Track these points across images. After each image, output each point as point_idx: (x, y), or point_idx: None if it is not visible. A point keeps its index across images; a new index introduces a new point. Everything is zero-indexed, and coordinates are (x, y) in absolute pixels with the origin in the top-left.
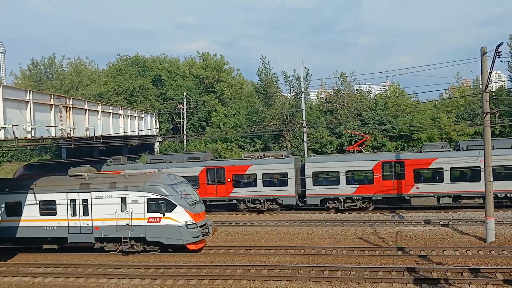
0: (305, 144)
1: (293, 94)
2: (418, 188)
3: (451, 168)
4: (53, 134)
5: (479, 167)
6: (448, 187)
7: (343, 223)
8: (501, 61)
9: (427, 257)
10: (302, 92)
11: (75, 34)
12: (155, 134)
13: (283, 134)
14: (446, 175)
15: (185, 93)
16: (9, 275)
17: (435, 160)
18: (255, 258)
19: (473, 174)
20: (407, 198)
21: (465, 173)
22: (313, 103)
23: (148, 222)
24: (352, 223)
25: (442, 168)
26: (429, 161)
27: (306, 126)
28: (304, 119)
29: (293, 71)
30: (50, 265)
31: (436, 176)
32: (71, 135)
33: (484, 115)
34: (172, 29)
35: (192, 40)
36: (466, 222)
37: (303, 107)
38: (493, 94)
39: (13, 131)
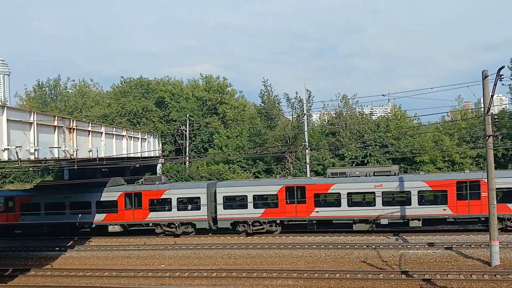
0: (308, 166)
1: (295, 116)
2: (318, 212)
3: (348, 193)
4: (56, 156)
5: (374, 192)
6: (345, 212)
7: (346, 246)
8: (503, 84)
9: (431, 281)
10: (305, 114)
11: (80, 56)
12: (157, 155)
13: (286, 155)
14: (344, 200)
15: (188, 115)
16: None
17: (333, 185)
18: (258, 281)
19: (368, 200)
20: (308, 221)
21: (361, 198)
22: (315, 125)
23: None
24: (355, 246)
25: (339, 193)
26: (327, 186)
27: (309, 148)
28: (307, 141)
29: (296, 93)
30: None
31: (334, 200)
32: (74, 156)
33: (487, 138)
34: (176, 52)
35: (195, 63)
36: (470, 245)
37: (306, 129)
38: (495, 117)
39: (16, 152)
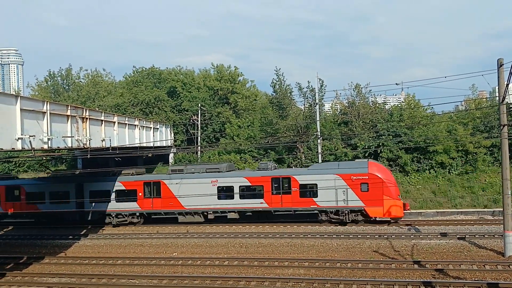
0: (320, 156)
1: (307, 106)
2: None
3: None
4: (70, 145)
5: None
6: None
7: (358, 236)
8: None
9: (443, 271)
10: (317, 103)
11: (92, 46)
12: (169, 145)
13: (297, 145)
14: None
15: (199, 105)
16: None
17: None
18: (269, 270)
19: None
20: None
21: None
22: (328, 114)
23: None
24: (367, 236)
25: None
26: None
27: (321, 138)
28: (319, 130)
29: (308, 83)
30: None
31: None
32: (87, 145)
33: (501, 127)
34: (187, 42)
35: (206, 52)
36: (484, 235)
37: (318, 119)
38: (510, 106)
39: (30, 141)
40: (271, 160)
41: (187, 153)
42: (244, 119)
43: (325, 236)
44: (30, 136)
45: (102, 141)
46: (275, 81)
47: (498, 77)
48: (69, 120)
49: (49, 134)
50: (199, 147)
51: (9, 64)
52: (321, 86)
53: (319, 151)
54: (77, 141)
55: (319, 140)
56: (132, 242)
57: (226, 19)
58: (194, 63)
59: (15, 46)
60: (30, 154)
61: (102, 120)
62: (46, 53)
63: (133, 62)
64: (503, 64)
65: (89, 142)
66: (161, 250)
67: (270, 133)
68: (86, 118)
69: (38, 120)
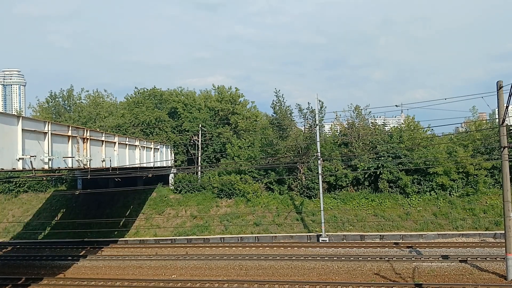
0: (320, 177)
1: (307, 127)
2: None
3: None
4: (70, 165)
5: None
6: None
7: (359, 258)
8: None
9: None
10: (317, 124)
11: (95, 69)
12: (170, 165)
13: (298, 166)
14: None
15: (200, 125)
16: None
17: None
18: None
19: None
20: None
21: None
22: (328, 135)
23: None
24: (368, 258)
25: None
26: None
27: (321, 159)
28: (319, 151)
29: (308, 104)
30: None
31: None
32: (88, 166)
33: (502, 149)
34: (188, 64)
35: (207, 74)
36: (486, 258)
37: (318, 140)
38: (511, 128)
39: (30, 161)
40: (271, 180)
41: (187, 173)
42: (245, 139)
43: (325, 258)
44: (31, 156)
45: (102, 161)
46: (275, 103)
47: (498, 99)
48: (70, 140)
49: (50, 155)
50: (199, 167)
51: (11, 84)
52: (321, 107)
53: (320, 172)
54: (77, 161)
55: (319, 161)
56: (130, 263)
57: (228, 42)
58: (196, 85)
59: (18, 67)
60: (31, 175)
61: (102, 141)
62: (48, 74)
63: (135, 84)
64: (502, 86)
65: (90, 163)
66: (160, 272)
67: (270, 153)
68: (87, 139)
69: (39, 141)
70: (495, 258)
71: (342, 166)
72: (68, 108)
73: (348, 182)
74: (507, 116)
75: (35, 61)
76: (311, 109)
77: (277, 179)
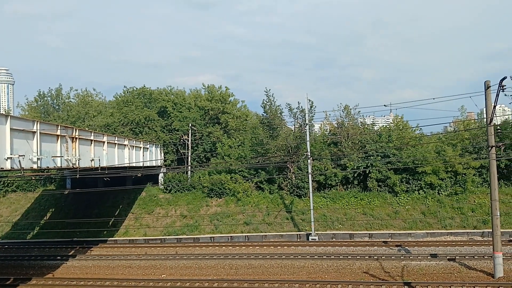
0: (310, 176)
1: (297, 126)
2: None
3: None
4: (59, 165)
5: None
6: None
7: (349, 257)
8: (505, 95)
9: None
10: (307, 124)
11: (84, 68)
12: (159, 165)
13: (288, 165)
14: None
15: (190, 124)
16: None
17: None
18: None
19: None
20: None
21: None
22: (317, 135)
23: None
24: (357, 257)
25: None
26: None
27: (311, 158)
28: (309, 150)
29: (298, 103)
30: None
31: None
32: (77, 165)
33: (490, 148)
34: (179, 63)
35: (197, 73)
36: (474, 256)
37: (308, 139)
38: (498, 127)
39: (19, 161)
40: (261, 180)
41: (177, 173)
42: (235, 139)
43: (315, 257)
44: (19, 155)
45: (91, 161)
46: (266, 102)
47: (486, 99)
48: (59, 140)
49: (38, 154)
50: (189, 167)
51: None
52: (311, 107)
53: (309, 171)
54: (66, 161)
55: (309, 160)
56: (120, 263)
57: (219, 41)
58: (186, 84)
59: (6, 65)
60: (19, 174)
61: (91, 140)
62: (37, 73)
63: (125, 83)
64: (490, 86)
65: (78, 162)
66: (149, 272)
67: (260, 153)
68: (76, 138)
69: (28, 140)
70: (483, 257)
71: (331, 165)
72: (57, 107)
73: (337, 181)
74: (494, 115)
75: (24, 60)
76: (301, 109)
77: (267, 179)
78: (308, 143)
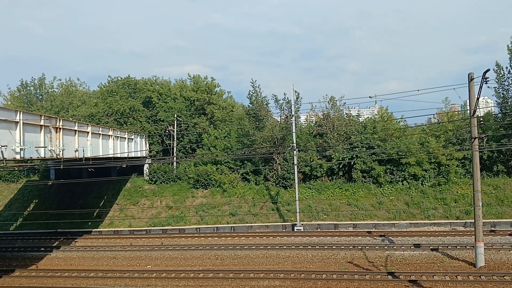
0: (296, 167)
1: (283, 117)
2: None
3: None
4: (42, 155)
5: None
6: None
7: (333, 247)
8: (488, 87)
9: (417, 282)
10: (293, 115)
11: (67, 56)
12: (144, 156)
13: (274, 156)
14: None
15: (175, 115)
16: None
17: None
18: (245, 282)
19: None
20: None
21: None
22: (303, 126)
23: None
24: (342, 247)
25: None
26: None
27: (297, 149)
28: (295, 142)
29: (284, 95)
30: None
31: None
32: (61, 156)
33: (473, 140)
34: (164, 52)
35: (183, 63)
36: (456, 246)
37: (294, 130)
38: (481, 119)
39: (1, 151)
40: (247, 171)
41: (163, 164)
42: (221, 130)
43: (300, 247)
44: (2, 146)
45: (75, 151)
46: (252, 93)
47: (469, 91)
48: (43, 130)
49: (21, 144)
50: (174, 158)
51: None
52: (297, 98)
53: (295, 162)
54: (50, 151)
55: (295, 152)
56: (105, 254)
57: (205, 31)
58: (172, 74)
59: None
60: (2, 165)
61: (75, 130)
62: (19, 61)
63: (109, 72)
64: (473, 79)
65: (62, 153)
66: (134, 263)
67: (246, 144)
68: (60, 128)
69: (10, 130)
70: (465, 247)
71: (317, 156)
72: (40, 97)
73: (323, 172)
74: (478, 107)
75: (4, 47)
76: (287, 100)
77: (253, 170)
78: (294, 134)
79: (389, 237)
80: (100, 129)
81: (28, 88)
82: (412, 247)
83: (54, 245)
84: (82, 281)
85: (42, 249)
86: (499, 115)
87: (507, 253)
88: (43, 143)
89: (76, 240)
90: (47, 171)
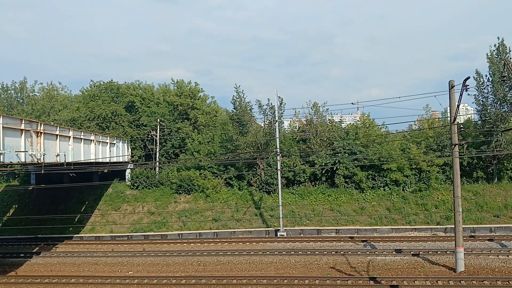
0: (279, 172)
1: (267, 123)
2: None
3: None
4: (23, 160)
5: None
6: None
7: (316, 252)
8: (468, 94)
9: (398, 287)
10: (276, 121)
11: (49, 60)
12: (126, 161)
13: (257, 162)
14: None
15: (158, 120)
16: None
17: None
18: None
19: None
20: None
21: None
22: (287, 132)
23: None
24: (324, 252)
25: None
26: None
27: (280, 155)
28: (278, 147)
29: (267, 100)
30: None
31: None
32: (41, 161)
33: (453, 146)
34: (147, 57)
35: (166, 67)
36: (437, 252)
37: (277, 136)
38: (461, 126)
39: None
40: (230, 176)
41: (145, 169)
42: (204, 135)
43: (283, 252)
44: None
45: (56, 156)
46: (236, 98)
47: (450, 98)
48: (23, 134)
49: (1, 149)
50: (157, 163)
51: None
52: (281, 103)
53: (279, 167)
54: (31, 156)
55: (278, 157)
56: (86, 260)
57: (188, 36)
58: (155, 78)
59: None
60: None
61: (57, 135)
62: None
63: (92, 76)
64: (454, 86)
65: (43, 157)
66: (116, 269)
67: (230, 149)
68: (41, 133)
69: None
70: (445, 252)
71: (300, 162)
72: (21, 100)
73: (306, 177)
74: (458, 114)
75: None
76: (270, 105)
77: (236, 175)
78: (277, 139)
79: (371, 243)
80: (82, 134)
81: (9, 91)
82: (393, 253)
83: (34, 251)
84: (62, 287)
85: (22, 255)
86: (479, 122)
87: (486, 258)
88: (23, 147)
89: (56, 246)
90: (28, 175)
